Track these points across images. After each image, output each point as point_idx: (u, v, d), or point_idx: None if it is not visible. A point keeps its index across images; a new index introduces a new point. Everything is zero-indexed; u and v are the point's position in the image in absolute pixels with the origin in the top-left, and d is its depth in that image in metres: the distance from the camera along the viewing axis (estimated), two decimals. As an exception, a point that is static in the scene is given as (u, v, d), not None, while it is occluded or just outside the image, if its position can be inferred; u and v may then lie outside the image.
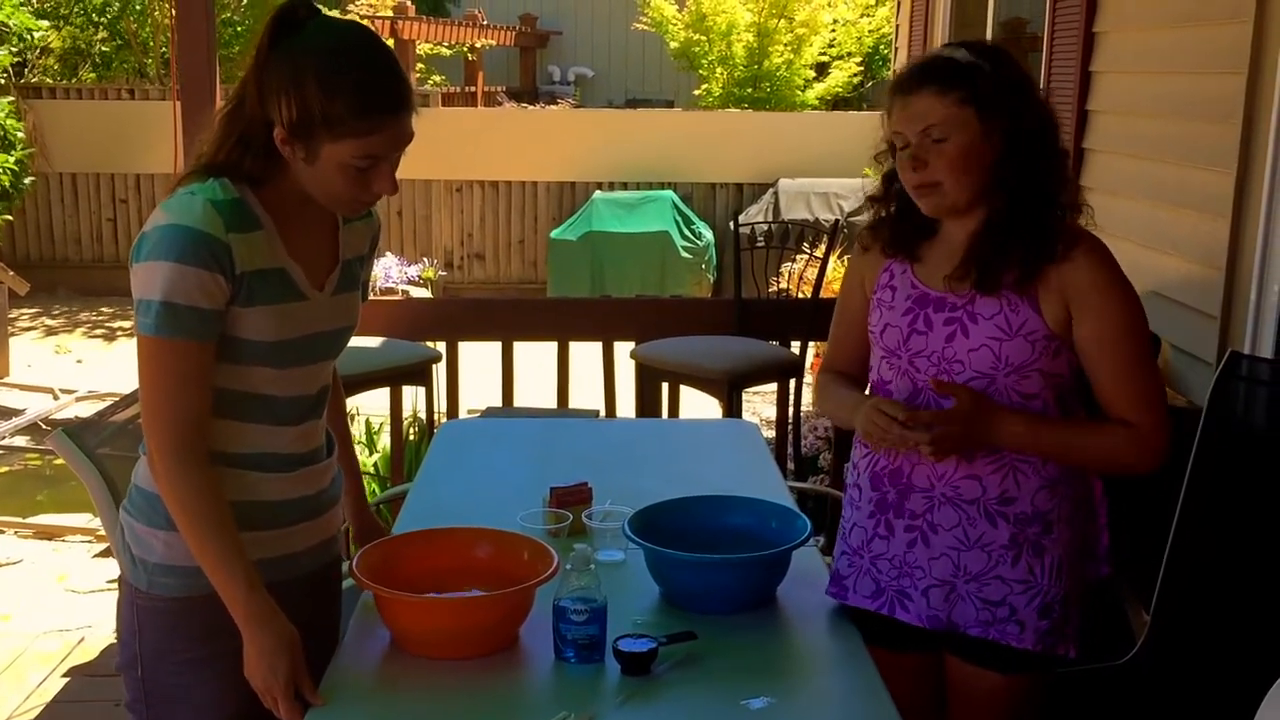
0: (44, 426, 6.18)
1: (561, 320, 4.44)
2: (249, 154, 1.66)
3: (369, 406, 4.83)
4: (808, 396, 4.70)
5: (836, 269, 7.21)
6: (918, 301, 1.90)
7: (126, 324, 8.93)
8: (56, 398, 6.81)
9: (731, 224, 9.13)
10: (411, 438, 4.52)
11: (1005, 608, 1.86)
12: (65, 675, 3.52)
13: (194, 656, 1.74)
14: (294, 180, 1.68)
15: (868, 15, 12.37)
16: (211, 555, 1.64)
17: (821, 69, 12.49)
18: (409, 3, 12.02)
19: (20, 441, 6.15)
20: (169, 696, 1.76)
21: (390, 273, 8.51)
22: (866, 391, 2.02)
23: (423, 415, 4.42)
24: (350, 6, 11.58)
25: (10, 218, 9.38)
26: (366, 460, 4.68)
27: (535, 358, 4.59)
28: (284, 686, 1.62)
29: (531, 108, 12.88)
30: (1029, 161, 1.79)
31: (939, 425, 1.79)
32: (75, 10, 11.54)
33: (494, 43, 13.92)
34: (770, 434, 4.45)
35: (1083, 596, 1.93)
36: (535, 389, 4.76)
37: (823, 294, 4.51)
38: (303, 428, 1.80)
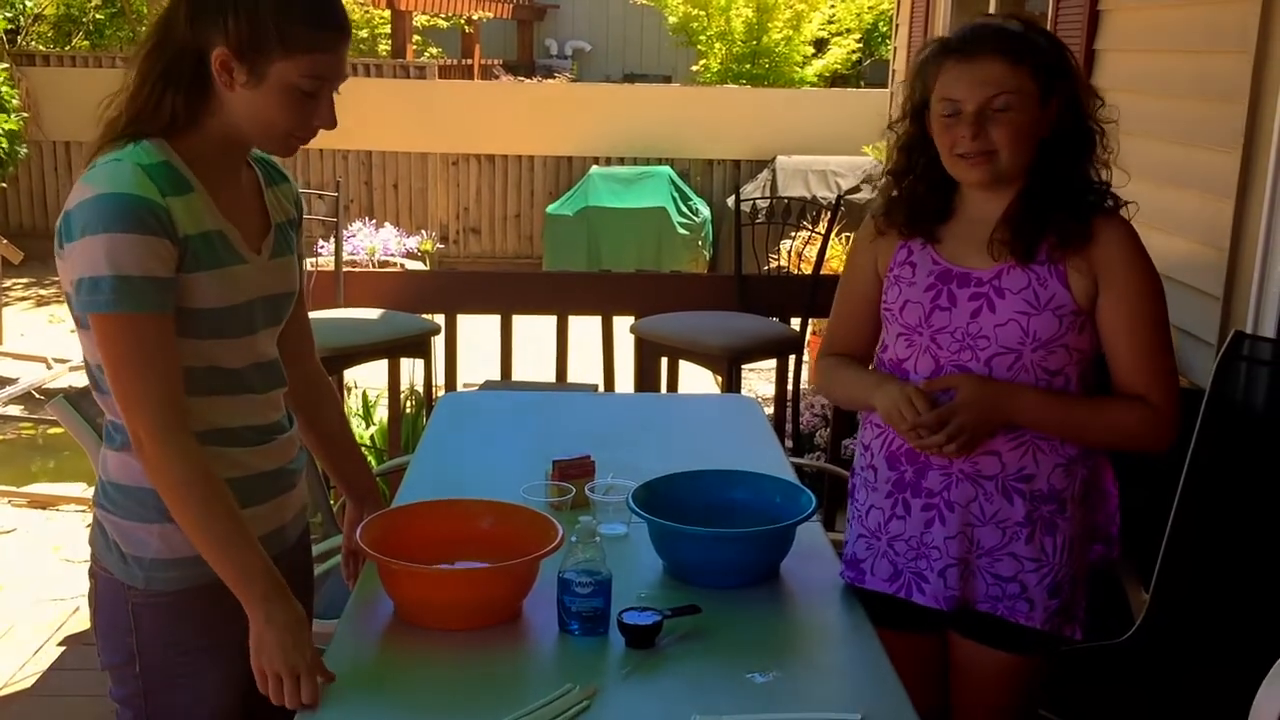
0: (37, 396, 6.16)
1: (561, 294, 4.42)
2: (171, 90, 1.58)
3: (366, 379, 4.81)
4: (806, 373, 4.69)
5: (836, 246, 7.20)
6: (940, 277, 1.87)
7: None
8: (50, 367, 6.78)
9: (730, 200, 9.11)
10: (409, 411, 4.50)
11: (1016, 584, 1.86)
12: (60, 644, 3.52)
13: (197, 647, 1.70)
14: (218, 123, 1.62)
15: (868, -9, 12.32)
16: (220, 537, 1.58)
17: (820, 45, 12.43)
18: (406, -27, 11.93)
19: (14, 410, 6.12)
20: (169, 689, 1.71)
21: (389, 245, 8.47)
22: (871, 368, 2.00)
23: (420, 388, 4.40)
24: (346, -24, 11.48)
25: (4, 186, 9.32)
26: (364, 433, 4.67)
27: (532, 331, 4.57)
28: (309, 663, 1.56)
29: (529, 81, 12.80)
30: (1076, 139, 1.81)
31: (950, 420, 1.76)
32: (69, -23, 11.45)
33: (491, 15, 13.82)
34: (768, 411, 4.44)
35: (1089, 579, 1.92)
36: (533, 363, 4.75)
37: (823, 271, 4.50)
38: (269, 395, 1.76)
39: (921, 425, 1.78)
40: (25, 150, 9.25)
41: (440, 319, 4.18)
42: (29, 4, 10.01)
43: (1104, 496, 1.94)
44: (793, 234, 6.46)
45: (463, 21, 13.61)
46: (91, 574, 1.76)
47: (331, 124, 1.65)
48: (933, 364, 1.87)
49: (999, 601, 1.87)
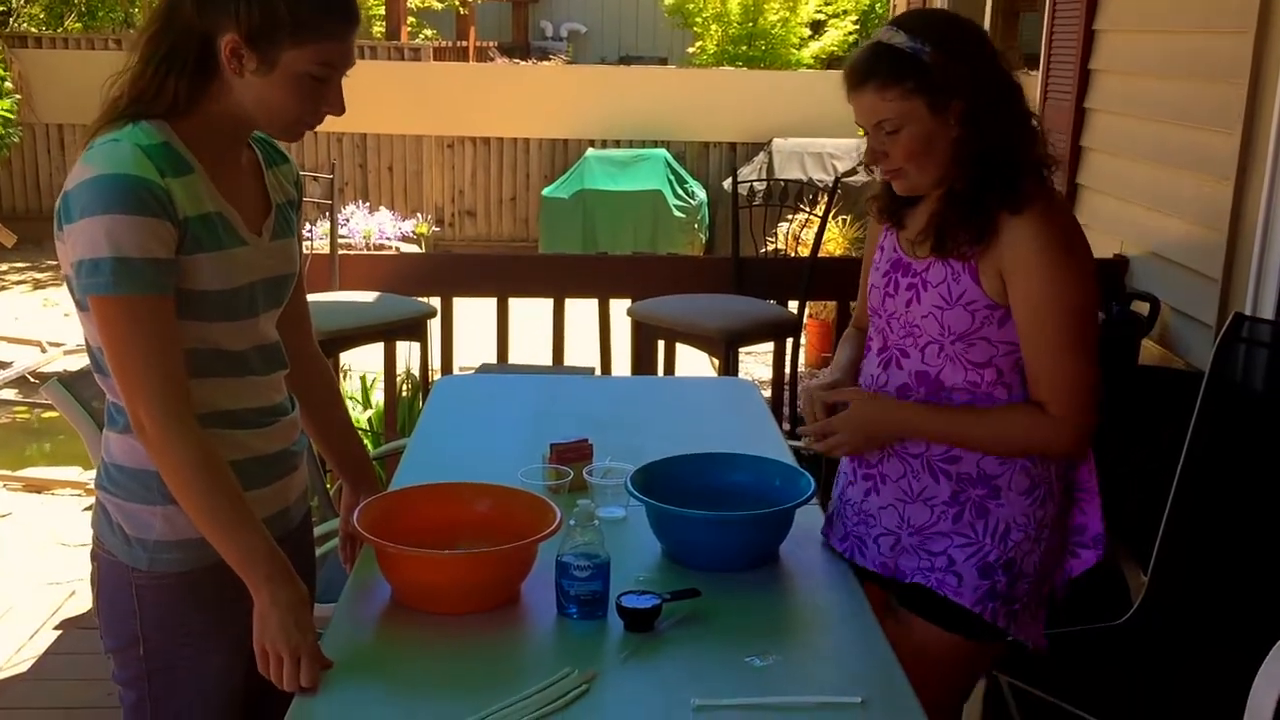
0: (32, 379, 6.15)
1: (558, 277, 4.40)
2: (173, 74, 1.57)
3: (362, 362, 4.80)
4: (803, 356, 4.69)
5: (833, 229, 7.19)
6: (893, 265, 1.92)
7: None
8: (44, 350, 6.77)
9: (726, 183, 9.08)
10: (405, 394, 4.49)
11: (944, 558, 1.88)
12: (57, 628, 3.51)
13: (201, 629, 1.70)
14: (221, 108, 1.60)
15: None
16: (224, 518, 1.58)
17: (817, 27, 12.39)
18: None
19: (9, 394, 6.11)
20: (172, 671, 1.71)
21: (385, 228, 8.45)
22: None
23: (416, 371, 4.39)
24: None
25: (-3, 169, 9.29)
26: (360, 416, 4.66)
27: (527, 314, 4.56)
28: (311, 644, 1.56)
29: (524, 64, 12.76)
30: (988, 134, 1.77)
31: (829, 434, 1.87)
32: (61, -42, 11.38)
33: (486, -3, 13.77)
34: (766, 394, 4.43)
35: (1042, 578, 1.90)
36: (529, 346, 4.73)
37: (820, 254, 4.48)
38: (271, 378, 1.75)
39: (806, 432, 1.91)
40: (20, 134, 9.22)
41: (436, 302, 4.17)
42: (21, -15, 9.95)
43: (1070, 497, 1.93)
44: (790, 216, 6.45)
45: (457, 3, 13.55)
46: (94, 556, 1.75)
47: (340, 110, 1.65)
48: (882, 343, 1.93)
49: (930, 573, 1.89)
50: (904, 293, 1.88)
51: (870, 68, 1.78)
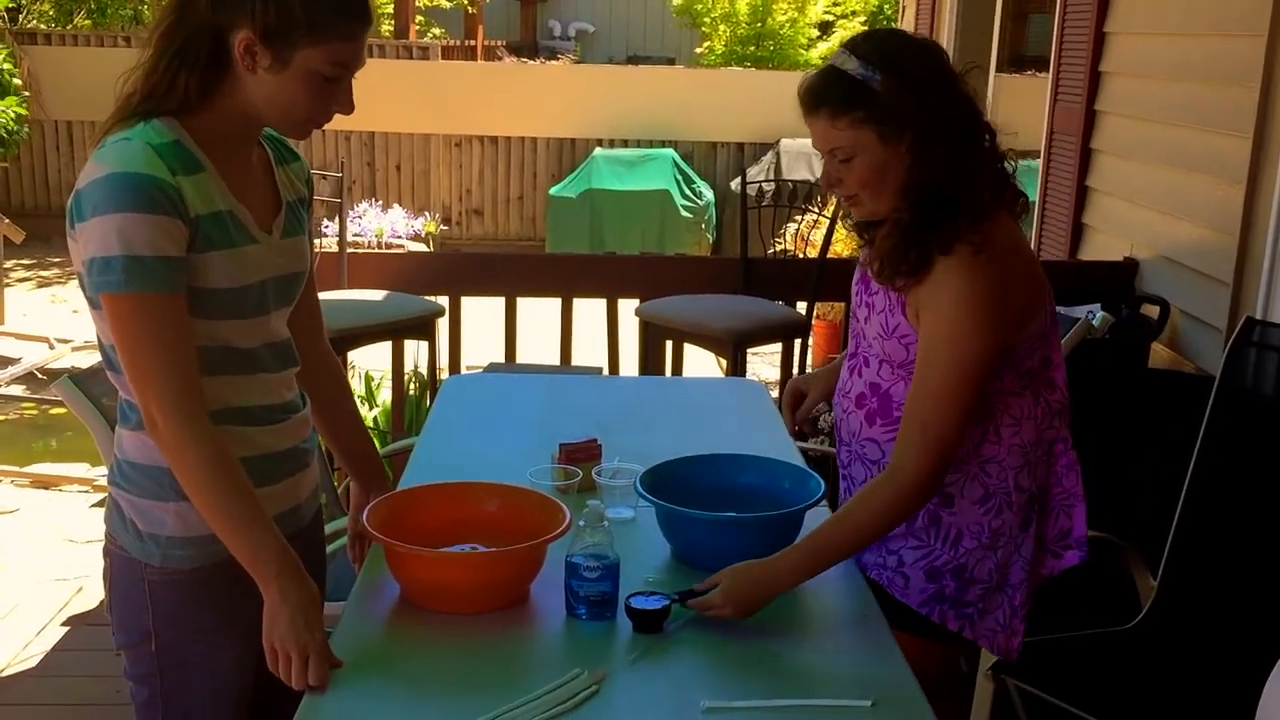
0: (40, 376, 6.15)
1: (566, 276, 4.40)
2: (185, 69, 1.56)
3: (368, 361, 4.80)
4: (811, 358, 4.68)
5: (841, 230, 7.17)
6: (859, 281, 1.96)
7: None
8: (52, 347, 6.77)
9: (734, 183, 9.07)
10: (412, 393, 4.49)
11: (895, 557, 1.91)
12: (64, 624, 3.52)
13: (213, 625, 1.70)
14: (232, 104, 1.60)
15: (873, -26, 12.26)
16: (235, 515, 1.58)
17: (825, 28, 12.38)
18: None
19: (16, 391, 6.11)
20: (184, 667, 1.71)
21: (396, 226, 8.46)
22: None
23: (424, 370, 4.39)
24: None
25: (6, 165, 9.30)
26: (367, 415, 4.66)
27: (534, 314, 4.56)
28: (320, 643, 1.56)
29: (532, 63, 12.75)
30: (934, 167, 1.74)
31: (711, 609, 1.70)
32: (70, -45, 11.39)
33: (494, -4, 13.77)
34: (774, 395, 4.42)
35: (1002, 584, 1.90)
36: (535, 345, 4.73)
37: (828, 255, 4.47)
38: (283, 375, 1.75)
39: (694, 605, 1.72)
40: (27, 129, 9.24)
41: (444, 300, 4.16)
42: (30, -18, 9.97)
43: (1069, 499, 1.93)
44: (798, 217, 6.44)
45: (466, 2, 13.56)
46: (106, 553, 1.76)
47: (349, 109, 1.65)
48: (854, 347, 1.98)
49: (883, 570, 1.92)
50: (863, 308, 1.92)
51: (821, 95, 1.78)
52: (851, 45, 1.79)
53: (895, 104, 1.72)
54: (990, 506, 1.87)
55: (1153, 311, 3.85)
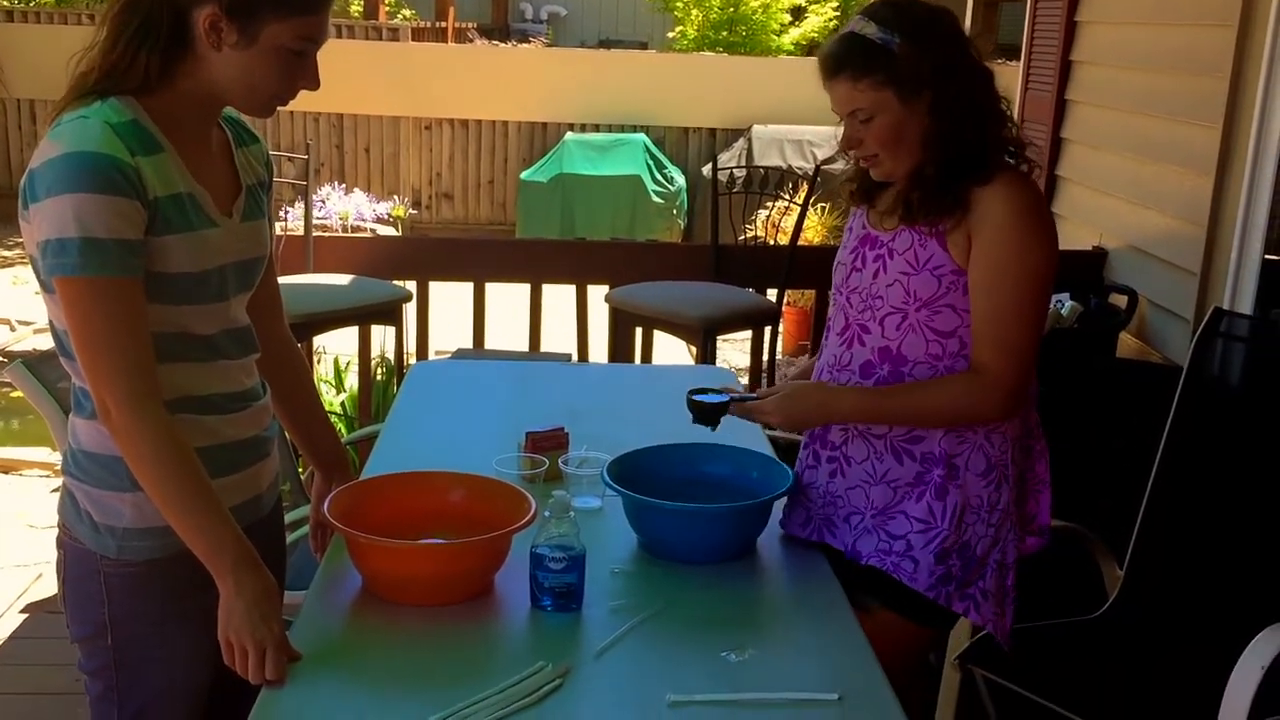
0: (1, 358, 6.06)
1: (535, 262, 4.37)
2: (145, 48, 1.53)
3: (335, 346, 4.75)
4: (781, 345, 4.67)
5: (812, 217, 7.17)
6: (862, 241, 1.96)
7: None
8: (13, 329, 6.68)
9: (706, 169, 9.05)
10: (379, 378, 4.45)
11: (903, 542, 1.89)
12: (23, 611, 3.46)
13: (170, 617, 1.67)
14: (193, 84, 1.57)
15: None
16: (190, 507, 1.55)
17: (798, 13, 12.36)
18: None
19: (-24, 374, 6.02)
20: (141, 661, 1.68)
21: (361, 210, 8.38)
22: None
23: (391, 355, 4.35)
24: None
25: (-34, 144, 9.15)
26: (333, 401, 4.62)
27: (504, 299, 4.53)
28: (277, 636, 1.53)
29: (503, 45, 12.67)
30: (957, 123, 1.81)
31: (756, 417, 1.93)
32: (34, -69, 11.21)
33: (466, -23, 13.66)
34: (744, 382, 4.42)
35: (998, 563, 1.91)
36: (505, 331, 4.70)
37: (800, 242, 4.46)
38: (243, 362, 1.72)
39: (746, 409, 1.94)
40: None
41: (412, 286, 4.12)
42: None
43: (1024, 482, 1.96)
44: (769, 204, 6.43)
45: (437, -17, 13.44)
46: (60, 544, 1.72)
47: (315, 85, 1.62)
48: (843, 320, 1.96)
49: (887, 556, 1.89)
50: (871, 265, 1.92)
51: (842, 58, 1.83)
52: (870, 11, 1.85)
53: (914, 65, 1.79)
54: (992, 479, 1.89)
55: (1121, 301, 3.87)
